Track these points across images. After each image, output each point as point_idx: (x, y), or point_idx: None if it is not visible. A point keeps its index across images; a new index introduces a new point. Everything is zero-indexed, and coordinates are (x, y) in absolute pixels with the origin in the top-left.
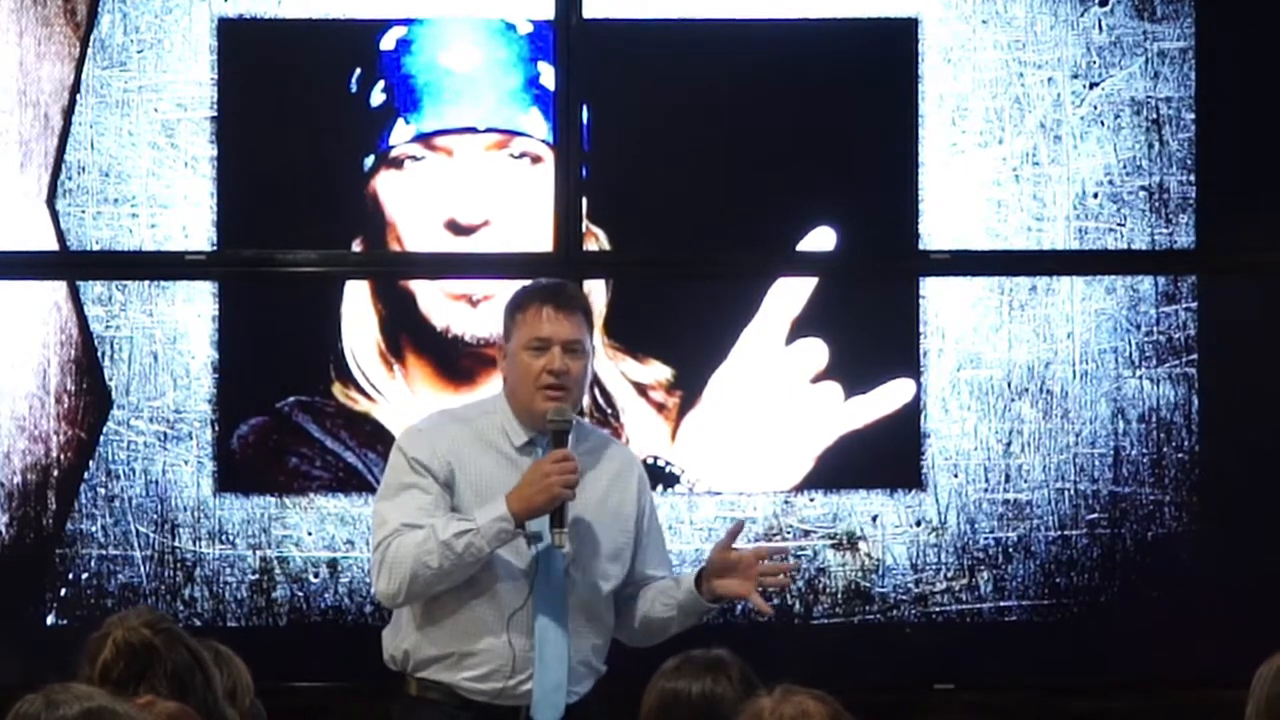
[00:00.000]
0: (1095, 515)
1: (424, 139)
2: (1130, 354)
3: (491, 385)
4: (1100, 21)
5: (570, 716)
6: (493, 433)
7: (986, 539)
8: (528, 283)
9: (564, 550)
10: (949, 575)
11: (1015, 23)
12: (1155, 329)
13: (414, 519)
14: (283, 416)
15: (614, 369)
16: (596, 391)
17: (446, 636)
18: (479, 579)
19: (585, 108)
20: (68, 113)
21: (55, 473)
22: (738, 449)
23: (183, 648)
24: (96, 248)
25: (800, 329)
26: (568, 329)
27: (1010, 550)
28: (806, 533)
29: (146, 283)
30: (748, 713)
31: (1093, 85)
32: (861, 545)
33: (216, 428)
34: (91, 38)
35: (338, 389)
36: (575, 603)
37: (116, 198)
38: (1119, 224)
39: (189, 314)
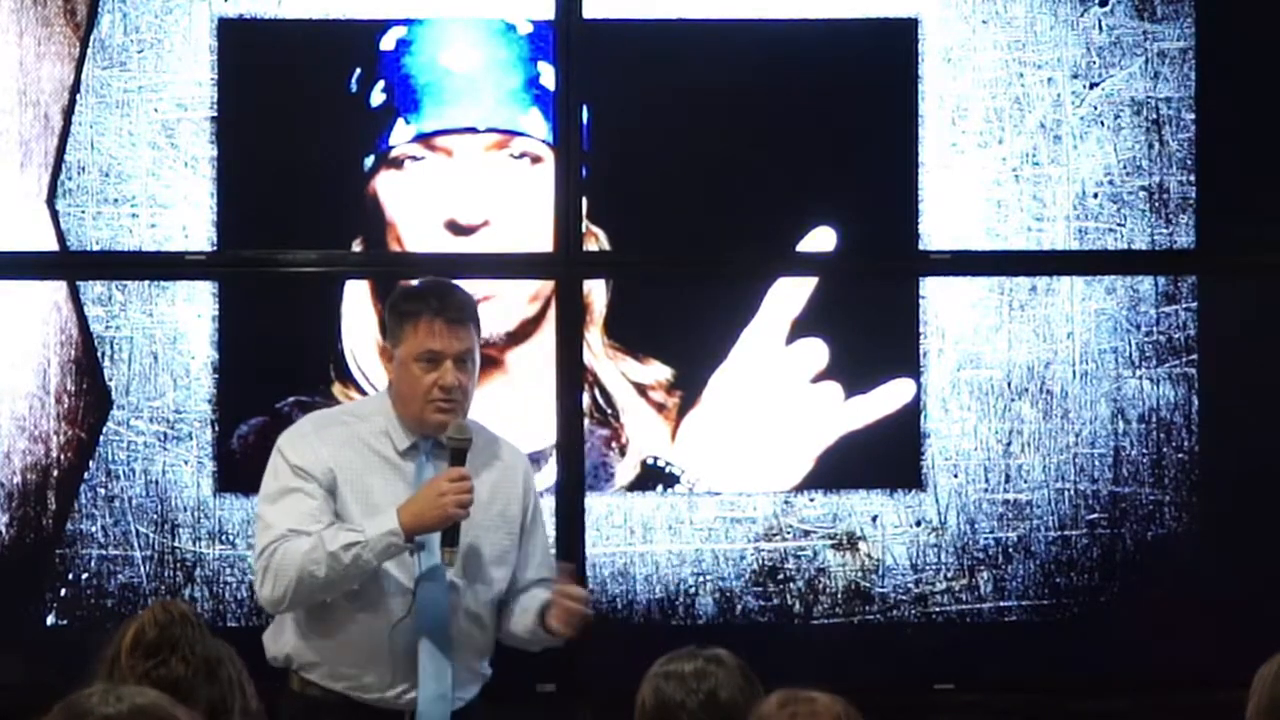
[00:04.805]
0: (1095, 515)
1: (424, 139)
2: (1130, 354)
3: (492, 385)
4: (1100, 21)
5: None
6: (374, 437)
7: (986, 539)
8: (413, 282)
9: (451, 567)
10: (949, 575)
11: (1015, 23)
12: (1155, 329)
13: (300, 525)
14: (283, 416)
15: (614, 369)
16: (596, 391)
17: (328, 644)
18: (362, 587)
19: (585, 108)
20: (68, 113)
21: (55, 473)
22: (738, 449)
23: (214, 646)
24: (96, 248)
25: (800, 329)
26: (459, 343)
27: (1010, 550)
28: (806, 533)
29: (146, 283)
30: (757, 712)
31: (1093, 85)
32: (861, 545)
33: (216, 428)
34: (91, 38)
35: (338, 389)
36: (460, 611)
37: (116, 198)
38: (1119, 224)
39: (189, 314)
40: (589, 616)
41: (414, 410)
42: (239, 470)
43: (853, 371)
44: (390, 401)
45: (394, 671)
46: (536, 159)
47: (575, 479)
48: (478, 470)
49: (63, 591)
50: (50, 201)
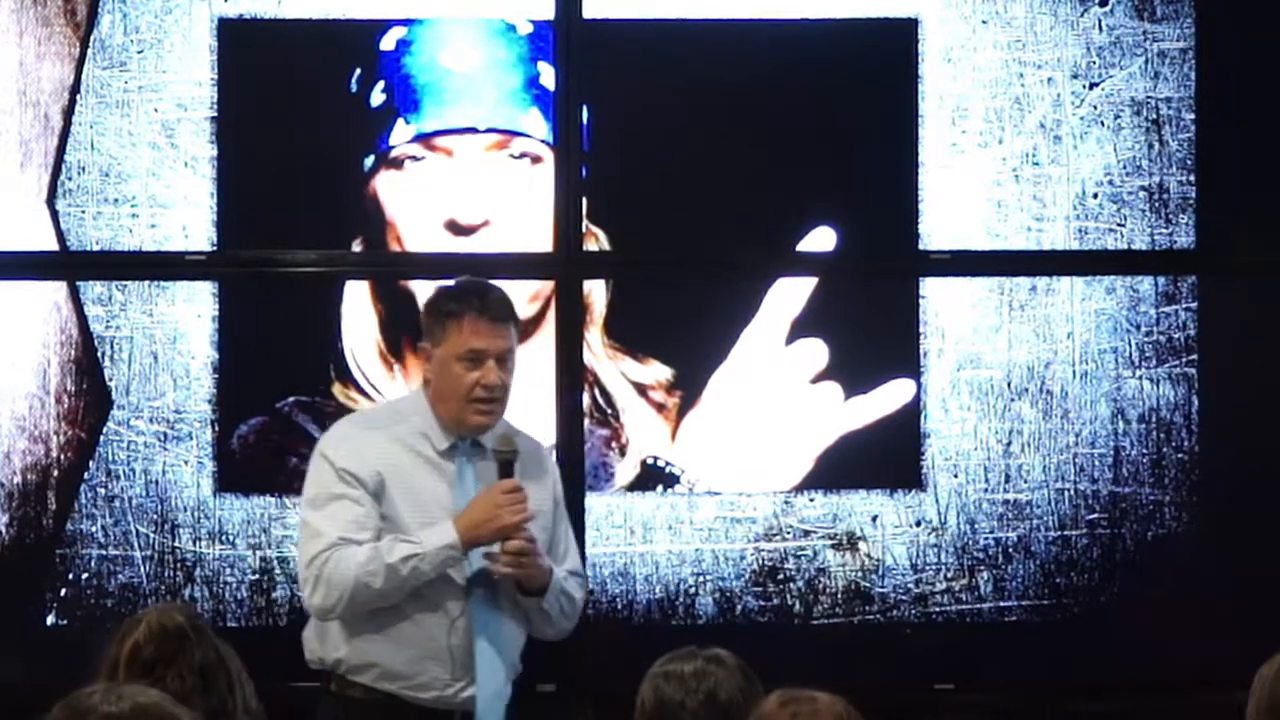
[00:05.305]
0: (1095, 515)
1: (424, 139)
2: (1130, 354)
3: None
4: (1100, 21)
5: None
6: (413, 437)
7: (986, 539)
8: (450, 283)
9: (501, 573)
10: (949, 575)
11: (1015, 23)
12: (1155, 329)
13: (350, 533)
14: (283, 416)
15: (614, 369)
16: (596, 391)
17: (384, 646)
18: (417, 589)
19: (585, 108)
20: (68, 113)
21: (55, 473)
22: (738, 449)
23: (212, 647)
24: (96, 248)
25: (800, 329)
26: (502, 342)
27: (1010, 550)
28: (806, 533)
29: (146, 283)
30: (757, 712)
31: (1093, 85)
32: (861, 545)
33: (216, 428)
34: (91, 38)
35: (338, 389)
36: (506, 607)
37: (116, 198)
38: (1119, 224)
39: (189, 314)
40: (526, 548)
41: (454, 410)
42: (239, 470)
43: (853, 371)
44: (427, 402)
45: (453, 670)
46: (536, 159)
47: (575, 479)
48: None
49: (63, 591)
50: (50, 201)
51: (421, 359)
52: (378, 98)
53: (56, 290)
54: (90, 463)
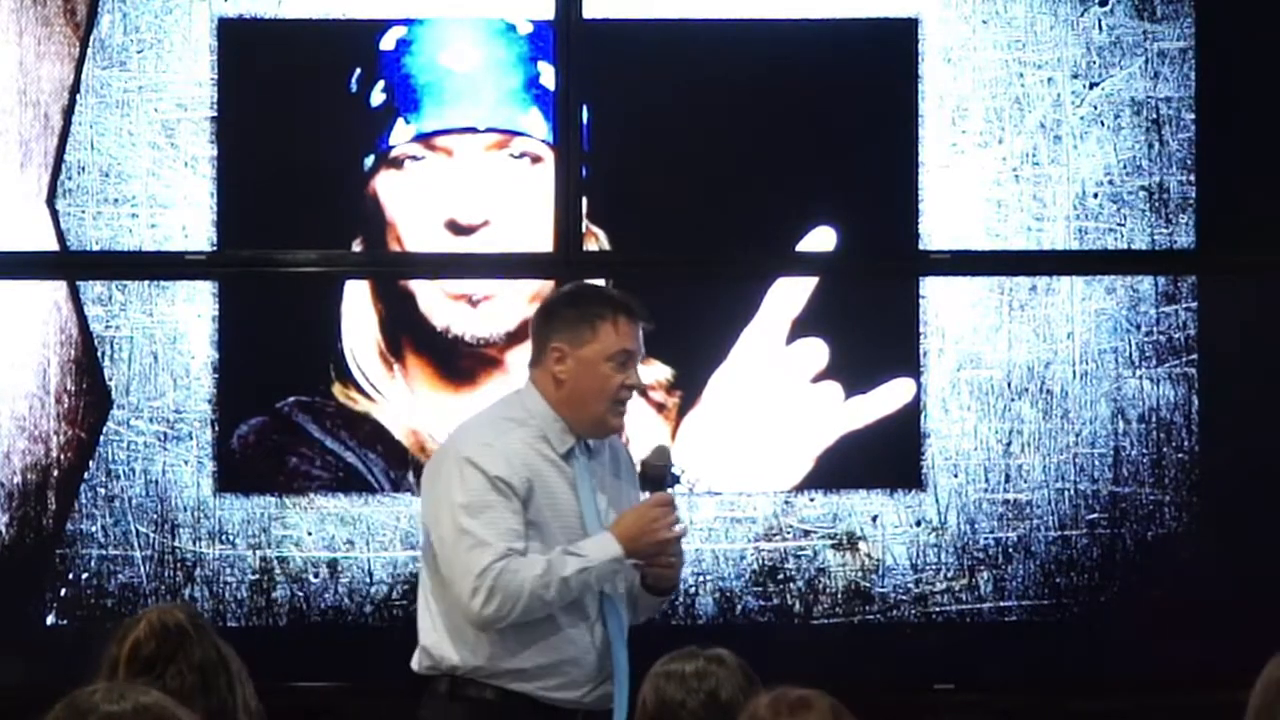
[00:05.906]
0: (1095, 515)
1: (424, 139)
2: (1130, 354)
3: (492, 385)
4: (1100, 21)
5: None
6: (536, 442)
7: (986, 539)
8: (572, 286)
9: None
10: (949, 575)
11: (1015, 23)
12: (1155, 329)
13: (513, 542)
14: (283, 416)
15: None
16: None
17: (528, 650)
18: None
19: (585, 108)
20: (68, 113)
21: (55, 473)
22: (738, 449)
23: (213, 646)
24: (96, 248)
25: (800, 329)
26: (642, 345)
27: (1010, 550)
28: (806, 533)
29: (146, 283)
30: (748, 711)
31: (1093, 85)
32: (861, 545)
33: (216, 428)
34: (91, 38)
35: (338, 389)
36: (626, 606)
37: (116, 198)
38: (1119, 224)
39: (189, 314)
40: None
41: (596, 411)
42: (239, 470)
43: (853, 371)
44: (545, 403)
45: (593, 672)
46: (536, 159)
47: None
48: (606, 466)
49: (63, 591)
50: (50, 201)
51: (552, 360)
52: (378, 98)
53: (56, 290)
54: (90, 463)
